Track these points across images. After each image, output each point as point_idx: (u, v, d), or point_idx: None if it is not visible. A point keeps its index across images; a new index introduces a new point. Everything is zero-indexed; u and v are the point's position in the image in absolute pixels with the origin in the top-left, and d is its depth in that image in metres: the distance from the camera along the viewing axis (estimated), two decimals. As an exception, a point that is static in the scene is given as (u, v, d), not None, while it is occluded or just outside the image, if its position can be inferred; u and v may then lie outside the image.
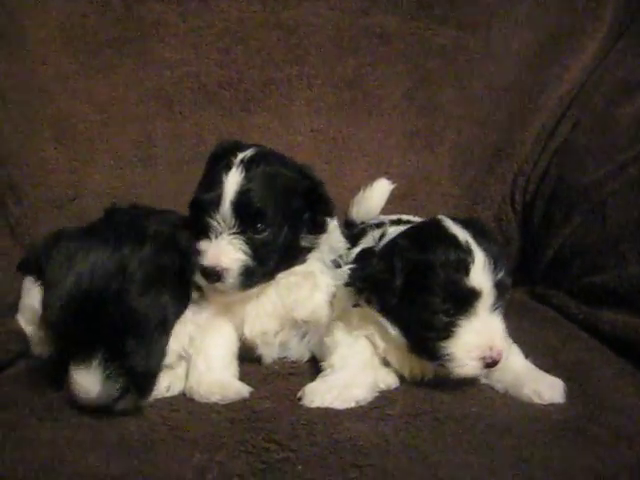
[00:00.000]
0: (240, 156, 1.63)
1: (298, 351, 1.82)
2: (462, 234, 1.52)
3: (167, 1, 2.31)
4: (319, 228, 1.73)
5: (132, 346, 1.43)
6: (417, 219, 1.99)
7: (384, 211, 2.25)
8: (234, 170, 1.59)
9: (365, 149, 2.42)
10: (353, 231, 2.06)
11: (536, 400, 1.52)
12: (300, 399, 1.53)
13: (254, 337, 1.74)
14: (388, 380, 1.62)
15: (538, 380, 1.56)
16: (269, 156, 1.69)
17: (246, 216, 1.57)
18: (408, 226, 1.73)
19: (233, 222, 1.57)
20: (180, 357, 1.67)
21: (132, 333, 1.42)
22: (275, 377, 1.70)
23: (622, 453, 1.34)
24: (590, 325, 1.95)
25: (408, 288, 1.52)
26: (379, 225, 1.91)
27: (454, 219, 1.60)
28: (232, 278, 1.56)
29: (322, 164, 1.83)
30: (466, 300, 1.48)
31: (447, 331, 1.49)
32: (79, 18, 2.28)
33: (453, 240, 1.50)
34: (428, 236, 1.55)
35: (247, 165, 1.60)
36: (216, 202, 1.56)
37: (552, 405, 1.51)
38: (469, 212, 2.44)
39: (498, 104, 2.43)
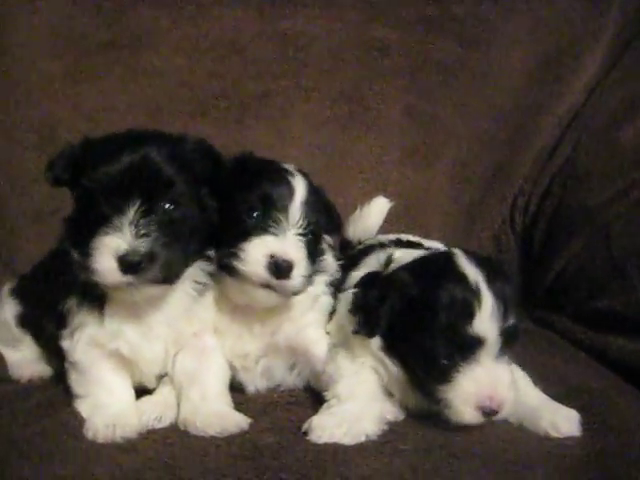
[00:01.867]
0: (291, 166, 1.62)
1: (286, 382, 1.70)
2: (473, 273, 1.39)
3: (160, 7, 2.23)
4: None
5: (163, 209, 1.39)
6: (417, 239, 1.91)
7: (380, 229, 2.17)
8: (299, 177, 1.56)
9: (362, 165, 2.35)
10: (351, 251, 1.98)
11: (553, 433, 1.43)
12: (306, 433, 1.41)
13: (232, 359, 1.63)
14: (395, 411, 1.52)
15: (554, 412, 1.47)
16: None
17: (312, 219, 1.52)
18: (415, 251, 1.65)
19: (300, 223, 1.50)
20: (160, 376, 1.58)
21: (164, 197, 1.40)
22: (274, 407, 1.58)
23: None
24: (597, 351, 1.90)
25: (406, 325, 1.43)
26: (380, 246, 1.83)
27: (469, 254, 1.48)
28: (299, 276, 1.47)
29: (318, 180, 1.74)
30: (468, 347, 1.37)
31: (446, 375, 1.39)
32: (67, 21, 2.19)
33: (461, 279, 1.38)
34: (434, 271, 1.44)
35: (306, 180, 1.59)
36: (287, 198, 1.51)
37: (570, 439, 1.42)
38: (468, 232, 2.39)
39: (498, 122, 2.38)
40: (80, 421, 1.47)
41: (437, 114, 2.37)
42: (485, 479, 1.28)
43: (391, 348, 1.48)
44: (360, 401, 1.48)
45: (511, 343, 1.40)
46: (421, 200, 2.37)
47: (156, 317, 1.50)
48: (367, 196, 2.19)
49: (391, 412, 1.51)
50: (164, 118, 2.24)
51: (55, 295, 1.55)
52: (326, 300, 1.69)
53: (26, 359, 1.78)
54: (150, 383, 1.58)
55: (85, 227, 1.38)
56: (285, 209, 1.50)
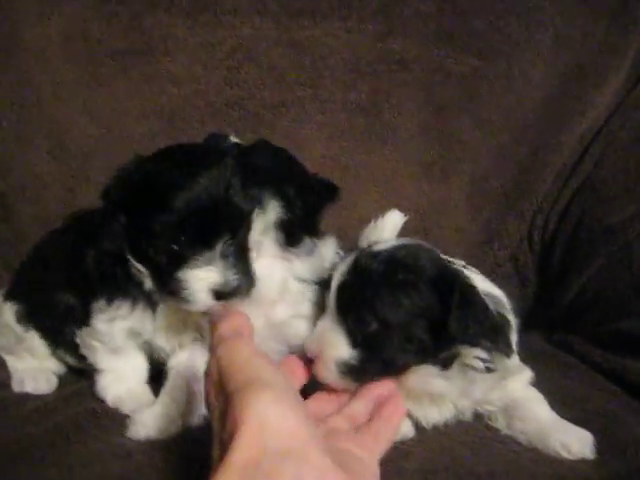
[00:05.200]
0: None
1: None
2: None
3: (176, 14, 2.20)
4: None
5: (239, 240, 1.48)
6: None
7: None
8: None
9: (377, 178, 2.30)
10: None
11: (563, 454, 1.37)
12: None
13: None
14: (403, 429, 1.45)
15: (565, 432, 1.41)
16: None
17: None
18: None
19: None
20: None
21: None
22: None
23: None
24: (615, 375, 1.82)
25: None
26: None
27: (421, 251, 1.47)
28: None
29: (332, 192, 1.71)
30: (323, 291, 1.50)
31: None
32: (82, 27, 2.17)
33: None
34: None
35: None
36: None
37: (582, 462, 1.35)
38: (484, 250, 2.33)
39: (518, 138, 2.32)
40: (77, 425, 1.46)
41: (455, 128, 2.31)
42: (491, 501, 1.22)
43: None
44: None
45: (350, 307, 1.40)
46: (437, 215, 2.31)
47: None
48: (381, 210, 2.12)
49: (400, 430, 1.44)
50: (177, 125, 2.22)
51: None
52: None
53: (29, 370, 1.75)
54: None
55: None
56: None
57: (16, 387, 1.71)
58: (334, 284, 1.43)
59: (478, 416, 1.53)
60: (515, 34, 2.30)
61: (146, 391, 1.63)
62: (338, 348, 1.38)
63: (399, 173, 2.30)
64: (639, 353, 1.80)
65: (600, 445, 1.39)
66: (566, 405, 1.54)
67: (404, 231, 2.13)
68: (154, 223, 1.39)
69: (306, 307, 1.63)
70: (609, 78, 2.32)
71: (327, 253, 1.70)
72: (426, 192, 2.31)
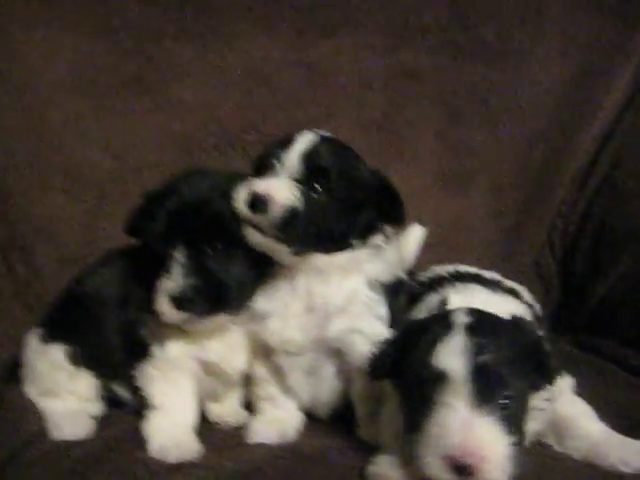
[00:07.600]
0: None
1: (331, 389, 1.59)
2: (462, 318, 1.25)
3: (185, 40, 2.17)
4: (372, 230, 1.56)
5: (215, 249, 1.47)
6: (475, 270, 1.80)
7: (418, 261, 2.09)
8: (306, 134, 1.52)
9: (397, 194, 2.28)
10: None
11: (624, 469, 1.33)
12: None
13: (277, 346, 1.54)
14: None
15: (623, 446, 1.38)
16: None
17: (312, 169, 1.46)
18: (474, 292, 1.53)
19: (297, 169, 1.45)
20: None
21: (218, 237, 1.47)
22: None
23: None
24: (653, 378, 1.81)
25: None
26: (437, 282, 1.70)
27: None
28: (277, 213, 1.40)
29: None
30: (431, 385, 1.19)
31: (415, 422, 1.22)
32: (89, 58, 2.14)
33: (445, 324, 1.25)
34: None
35: (322, 135, 1.54)
36: (283, 147, 1.49)
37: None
38: (507, 258, 2.32)
39: (532, 144, 2.33)
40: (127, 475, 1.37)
41: (470, 139, 2.32)
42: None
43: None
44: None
45: (494, 386, 1.18)
46: (457, 227, 2.31)
47: None
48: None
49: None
50: (193, 153, 2.18)
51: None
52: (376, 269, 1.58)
53: (68, 413, 1.66)
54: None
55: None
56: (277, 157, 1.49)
57: (55, 433, 1.59)
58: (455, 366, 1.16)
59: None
60: (524, 42, 2.32)
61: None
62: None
63: (417, 187, 2.27)
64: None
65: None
66: (609, 414, 1.49)
67: (427, 246, 2.11)
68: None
69: (370, 322, 1.54)
70: (616, 78, 2.33)
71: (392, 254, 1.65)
72: (445, 204, 2.31)
